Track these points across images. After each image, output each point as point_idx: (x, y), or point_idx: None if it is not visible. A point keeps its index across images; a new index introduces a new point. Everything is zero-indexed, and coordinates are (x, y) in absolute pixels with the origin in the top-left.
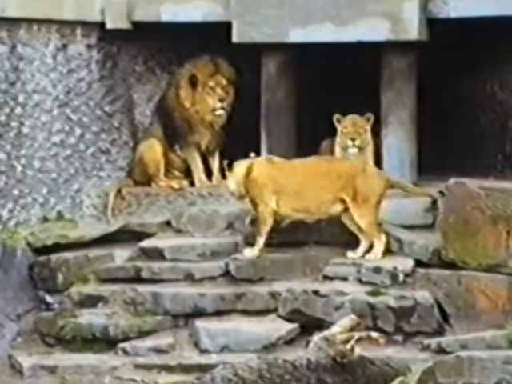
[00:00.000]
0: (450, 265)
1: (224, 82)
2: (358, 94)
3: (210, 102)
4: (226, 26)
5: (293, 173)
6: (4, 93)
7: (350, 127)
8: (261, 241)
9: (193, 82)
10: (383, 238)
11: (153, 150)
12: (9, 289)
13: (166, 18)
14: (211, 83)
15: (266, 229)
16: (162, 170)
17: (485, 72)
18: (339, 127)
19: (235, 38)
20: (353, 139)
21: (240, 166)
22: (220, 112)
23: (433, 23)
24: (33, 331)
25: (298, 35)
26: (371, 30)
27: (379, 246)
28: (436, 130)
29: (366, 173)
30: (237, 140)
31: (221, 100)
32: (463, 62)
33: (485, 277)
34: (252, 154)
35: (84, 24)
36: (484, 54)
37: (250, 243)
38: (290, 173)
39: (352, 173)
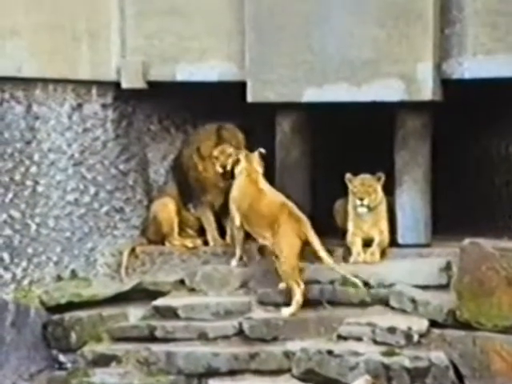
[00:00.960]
0: (465, 325)
1: (229, 150)
2: (372, 153)
3: (217, 169)
4: (241, 85)
5: (245, 198)
6: (20, 152)
7: (360, 186)
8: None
9: (198, 152)
10: (301, 287)
11: (167, 208)
12: (22, 348)
13: (181, 77)
14: (215, 153)
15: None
16: (176, 229)
17: (499, 133)
18: (350, 186)
19: (250, 98)
20: (361, 199)
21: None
22: (228, 177)
23: (447, 83)
24: None
25: (312, 95)
26: (386, 90)
27: (298, 296)
28: (450, 190)
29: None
30: None
31: (223, 167)
32: (477, 122)
33: (500, 338)
34: (262, 149)
35: (99, 83)
36: (498, 115)
37: (264, 302)
38: (244, 197)
39: (274, 215)
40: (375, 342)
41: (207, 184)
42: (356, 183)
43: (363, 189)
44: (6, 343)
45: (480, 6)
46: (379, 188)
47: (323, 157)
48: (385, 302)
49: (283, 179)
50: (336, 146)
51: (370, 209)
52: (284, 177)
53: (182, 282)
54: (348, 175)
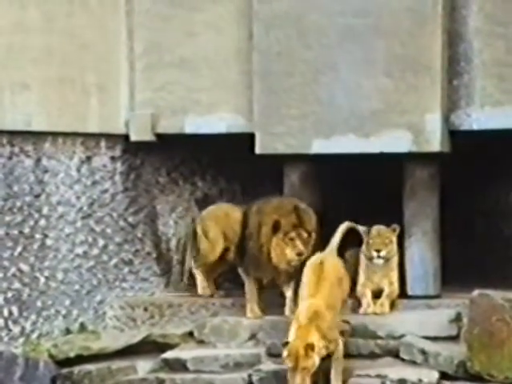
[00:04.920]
0: (476, 377)
1: (305, 235)
2: (380, 205)
3: (288, 253)
4: (249, 137)
5: None
6: (29, 205)
7: (376, 238)
8: None
9: (275, 227)
10: None
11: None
12: None
13: (189, 129)
14: (292, 234)
15: None
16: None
17: (508, 183)
18: (365, 238)
19: (258, 150)
20: (378, 250)
21: None
22: (296, 264)
23: (455, 134)
24: None
25: (320, 146)
26: (394, 141)
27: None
28: (459, 241)
29: None
30: None
31: (299, 254)
32: (486, 173)
33: None
34: None
35: (108, 136)
36: (507, 165)
37: (273, 354)
38: None
39: None
40: None
41: (264, 262)
42: (372, 235)
43: (380, 240)
44: None
45: (487, 58)
46: (394, 240)
47: (331, 208)
48: (395, 354)
49: None
50: (344, 197)
51: (386, 260)
52: None
53: (190, 334)
54: (362, 227)
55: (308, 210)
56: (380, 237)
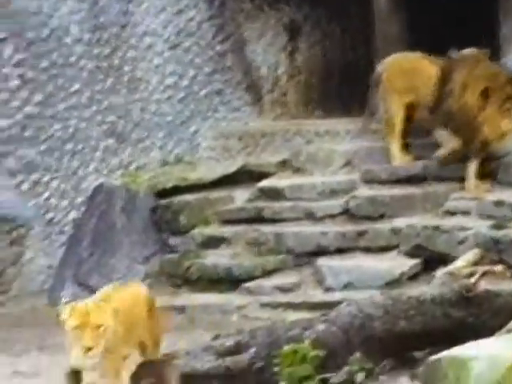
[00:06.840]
0: None
1: None
2: (474, 26)
3: (504, 125)
4: None
5: None
6: (116, 36)
7: None
8: None
9: (485, 94)
10: None
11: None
12: (133, 233)
13: None
14: (508, 105)
15: None
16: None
17: None
18: None
19: None
20: None
21: None
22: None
23: None
24: (159, 273)
25: None
26: None
27: None
28: None
29: None
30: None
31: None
32: None
33: None
34: None
35: None
36: None
37: (368, 180)
38: None
39: None
40: (482, 216)
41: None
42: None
43: None
44: (117, 229)
45: None
46: None
47: (423, 31)
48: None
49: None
50: (436, 20)
51: None
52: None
53: (285, 162)
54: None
55: None
56: None
